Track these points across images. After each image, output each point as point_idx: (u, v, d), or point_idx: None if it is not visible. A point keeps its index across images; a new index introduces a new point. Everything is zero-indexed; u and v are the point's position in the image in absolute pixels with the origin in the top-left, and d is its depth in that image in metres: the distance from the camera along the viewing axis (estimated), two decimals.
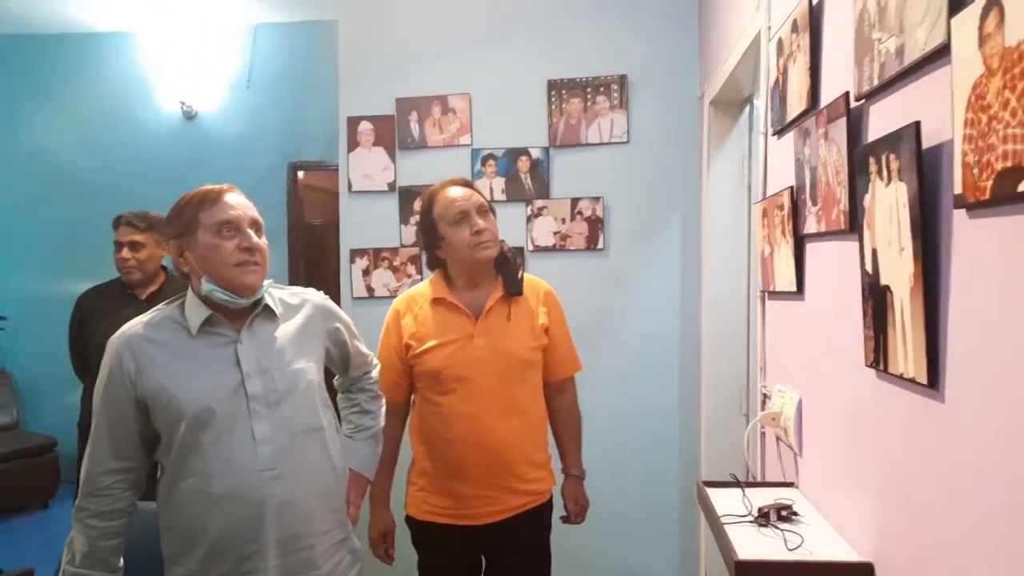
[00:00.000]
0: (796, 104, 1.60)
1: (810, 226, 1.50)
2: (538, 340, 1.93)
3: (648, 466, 3.11)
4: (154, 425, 1.46)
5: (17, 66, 4.79)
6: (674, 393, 3.11)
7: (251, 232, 1.47)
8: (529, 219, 3.14)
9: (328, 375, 1.67)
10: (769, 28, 1.89)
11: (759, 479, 1.99)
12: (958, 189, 0.87)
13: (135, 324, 1.48)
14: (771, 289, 1.85)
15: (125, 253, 2.63)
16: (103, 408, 1.46)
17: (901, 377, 1.05)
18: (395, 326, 1.95)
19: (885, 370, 1.11)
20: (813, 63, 1.50)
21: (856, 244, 1.21)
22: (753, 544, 1.28)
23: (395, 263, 3.24)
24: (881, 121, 1.15)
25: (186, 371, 1.44)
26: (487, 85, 3.16)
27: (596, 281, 3.11)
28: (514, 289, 1.91)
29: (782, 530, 1.33)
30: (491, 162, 3.16)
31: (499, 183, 3.16)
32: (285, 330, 1.54)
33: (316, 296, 1.67)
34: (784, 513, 1.39)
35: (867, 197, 1.14)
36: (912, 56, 1.01)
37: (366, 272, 3.24)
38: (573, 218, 3.12)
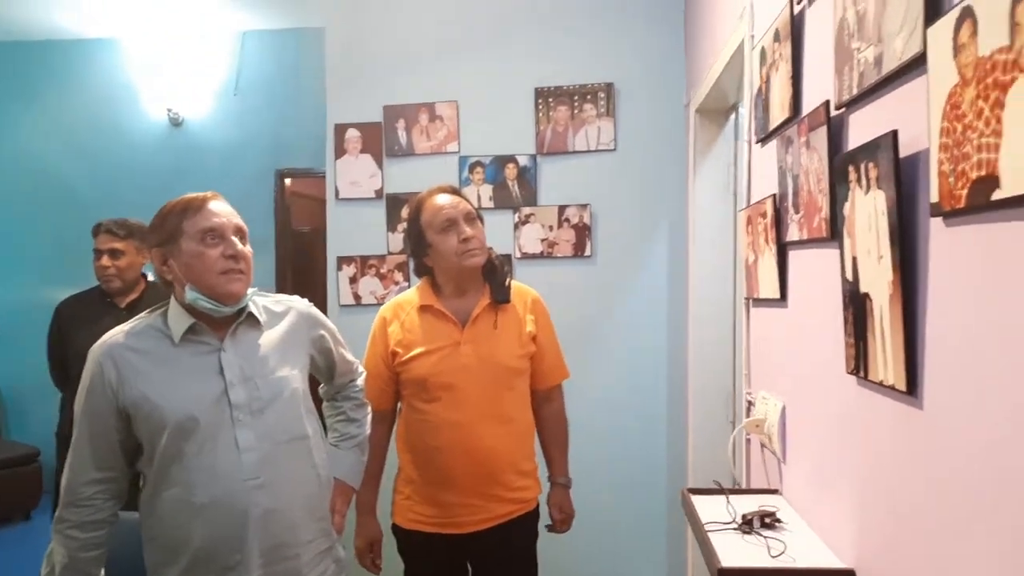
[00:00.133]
0: (779, 112, 1.61)
1: (792, 234, 1.51)
2: (525, 348, 1.93)
3: (635, 474, 3.12)
4: (136, 435, 1.45)
5: (2, 72, 4.75)
6: (661, 400, 3.12)
7: (235, 239, 1.46)
8: (517, 226, 3.15)
9: (313, 383, 1.66)
10: (752, 37, 1.91)
11: (744, 486, 1.99)
12: (935, 197, 0.88)
13: (117, 333, 1.47)
14: (755, 296, 1.86)
15: (105, 261, 2.58)
16: (84, 418, 1.44)
17: (881, 384, 1.06)
18: (381, 333, 1.94)
19: (866, 377, 1.11)
20: (795, 72, 1.51)
21: (837, 252, 1.22)
22: (736, 551, 1.28)
23: (382, 270, 3.23)
24: (860, 130, 1.16)
25: (169, 380, 1.43)
26: (474, 93, 3.17)
27: (584, 288, 3.12)
28: (501, 297, 1.90)
29: (765, 537, 1.33)
30: (478, 169, 3.17)
31: (486, 190, 3.16)
32: (269, 338, 1.53)
33: (300, 303, 1.66)
34: (768, 520, 1.39)
35: (847, 205, 1.15)
36: (890, 65, 1.02)
37: (353, 280, 3.23)
38: (560, 225, 3.13)
